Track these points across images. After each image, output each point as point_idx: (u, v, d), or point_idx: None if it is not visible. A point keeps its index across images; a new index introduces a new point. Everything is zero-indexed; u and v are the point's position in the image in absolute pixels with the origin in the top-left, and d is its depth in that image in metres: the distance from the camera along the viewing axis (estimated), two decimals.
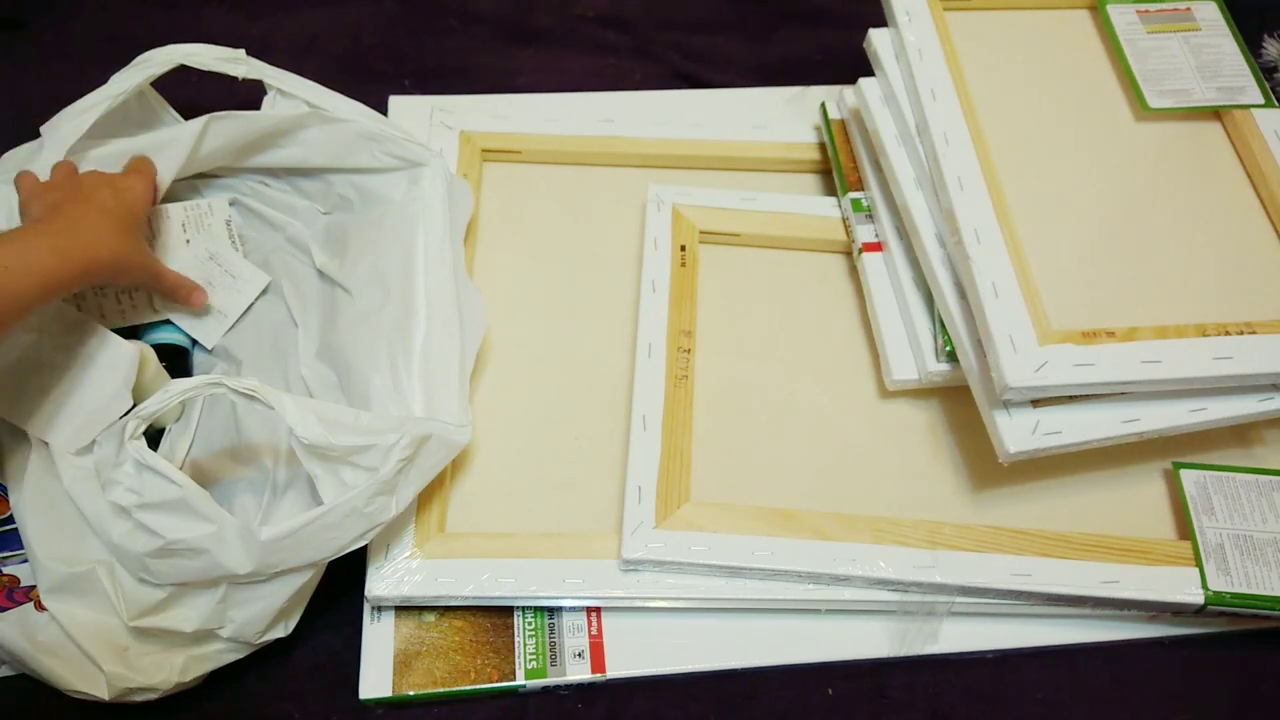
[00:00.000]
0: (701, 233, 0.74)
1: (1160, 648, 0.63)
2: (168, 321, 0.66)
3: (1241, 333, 0.60)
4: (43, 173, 0.58)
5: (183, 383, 0.51)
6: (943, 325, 0.65)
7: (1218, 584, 0.60)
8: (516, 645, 0.60)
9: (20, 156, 0.62)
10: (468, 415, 0.59)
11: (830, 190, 0.79)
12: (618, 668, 0.59)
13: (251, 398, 0.51)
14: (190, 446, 0.61)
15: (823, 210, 0.76)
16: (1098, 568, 0.60)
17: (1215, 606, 0.60)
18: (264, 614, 0.54)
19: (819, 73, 0.86)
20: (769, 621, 0.62)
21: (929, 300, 0.67)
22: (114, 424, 0.55)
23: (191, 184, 0.69)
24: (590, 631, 0.60)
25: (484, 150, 0.78)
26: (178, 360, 0.66)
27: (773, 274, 0.75)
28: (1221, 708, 0.61)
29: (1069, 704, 0.61)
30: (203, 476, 0.60)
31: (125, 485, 0.51)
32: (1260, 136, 0.69)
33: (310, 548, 0.52)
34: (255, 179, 0.70)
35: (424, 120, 0.78)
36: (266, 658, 0.58)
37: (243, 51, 0.64)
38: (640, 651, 0.60)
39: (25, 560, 0.57)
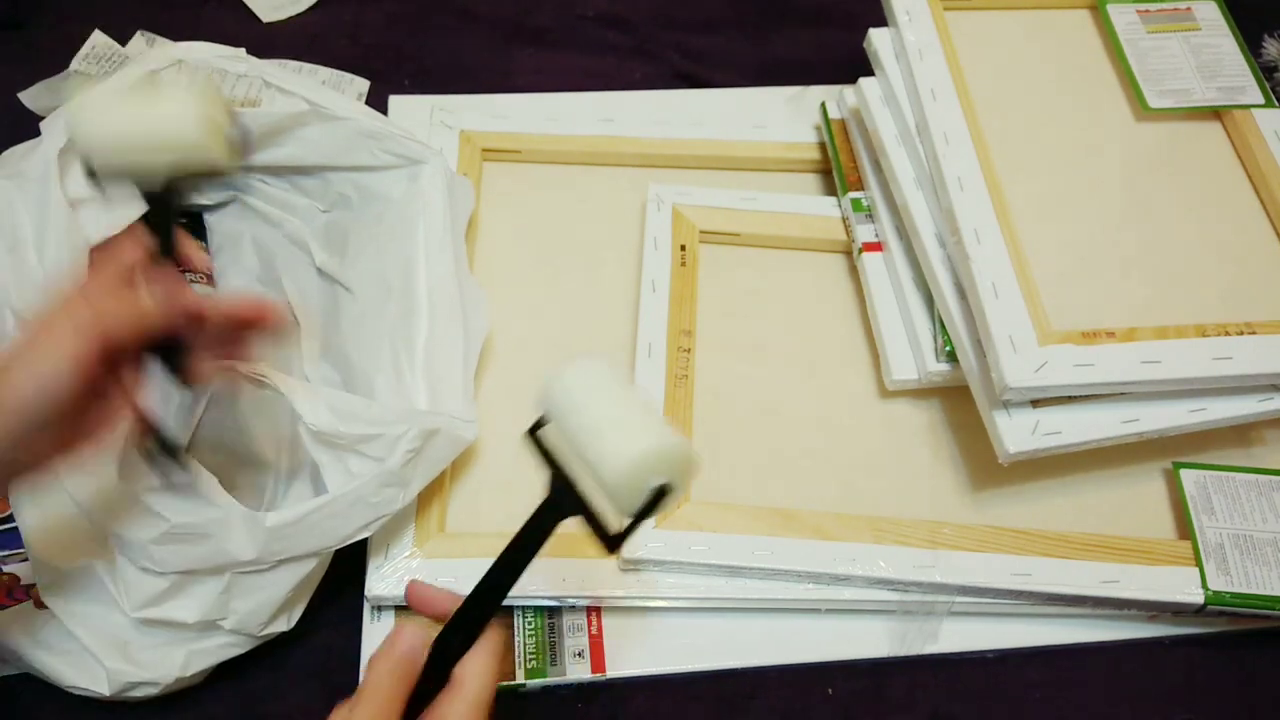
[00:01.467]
0: (701, 233, 0.74)
1: (1160, 648, 0.63)
2: None
3: (1241, 333, 0.61)
4: (35, 167, 0.58)
5: None
6: (943, 325, 0.65)
7: (1218, 584, 0.60)
8: (516, 645, 0.60)
9: (19, 154, 0.62)
10: (474, 411, 0.59)
11: (830, 190, 0.79)
12: (618, 667, 0.59)
13: (262, 383, 0.51)
14: (196, 433, 0.61)
15: (823, 210, 0.76)
16: (1098, 568, 0.60)
17: (1215, 606, 0.60)
18: (267, 605, 0.54)
19: (819, 73, 0.86)
20: (769, 621, 0.62)
21: (929, 300, 0.67)
22: None
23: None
24: (590, 631, 0.60)
25: (484, 150, 0.78)
26: None
27: (773, 274, 0.75)
28: (1221, 708, 0.61)
29: (1069, 704, 0.61)
30: (208, 464, 0.60)
31: (135, 467, 0.51)
32: (1260, 136, 0.69)
33: (315, 536, 0.52)
34: (254, 177, 0.70)
35: (424, 120, 0.77)
36: (267, 657, 0.58)
37: (243, 50, 0.64)
38: (640, 651, 0.60)
39: (25, 559, 0.57)
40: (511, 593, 0.59)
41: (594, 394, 0.42)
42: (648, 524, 0.42)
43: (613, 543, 0.42)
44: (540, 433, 0.44)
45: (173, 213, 0.46)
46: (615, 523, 0.42)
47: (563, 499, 0.43)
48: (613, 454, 0.40)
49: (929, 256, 0.66)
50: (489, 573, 0.43)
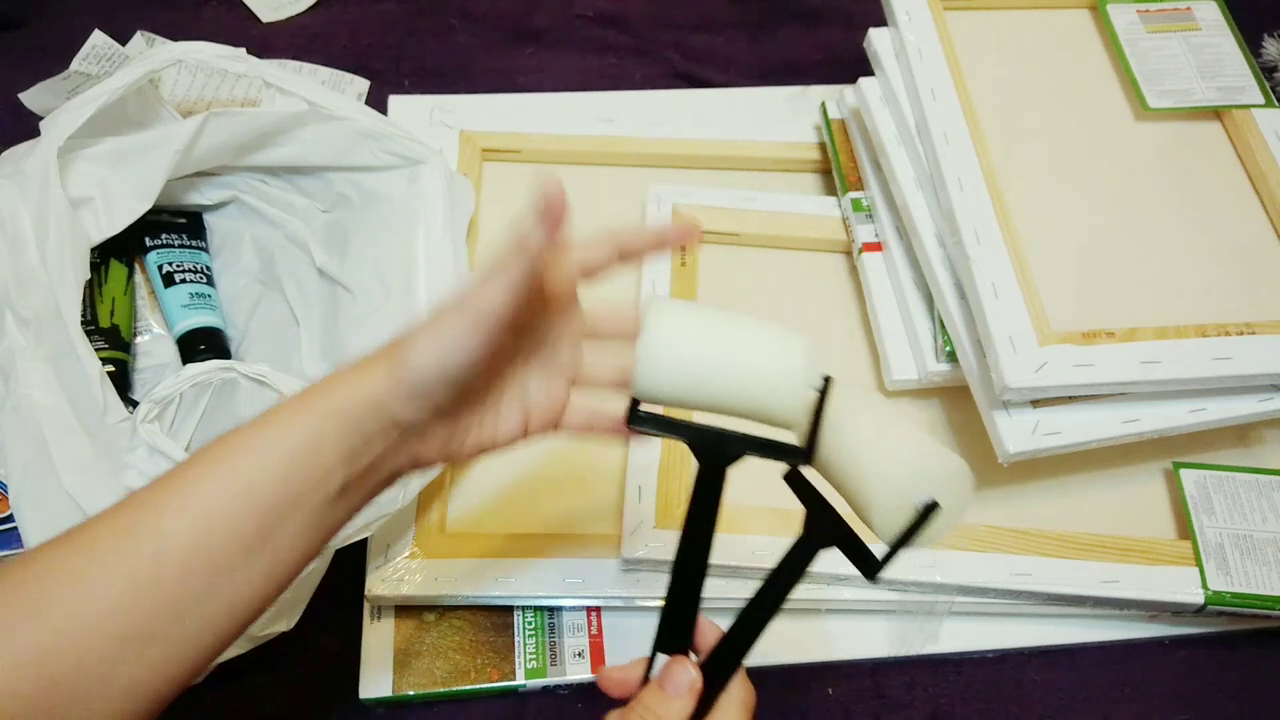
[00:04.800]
0: (702, 232, 0.74)
1: (1160, 648, 0.63)
2: (201, 305, 0.66)
3: (1241, 333, 0.61)
4: (35, 167, 0.58)
5: (195, 367, 0.51)
6: (943, 325, 0.65)
7: (1218, 584, 0.60)
8: (516, 645, 0.60)
9: (19, 154, 0.62)
10: None
11: (830, 190, 0.79)
12: None
13: (262, 383, 0.51)
14: (195, 434, 0.61)
15: (823, 210, 0.76)
16: (1098, 567, 0.60)
17: (1215, 606, 0.60)
18: None
19: (819, 73, 0.86)
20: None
21: (929, 300, 0.67)
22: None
23: (191, 182, 0.69)
24: (590, 631, 0.60)
25: (484, 150, 0.78)
26: (214, 341, 0.66)
27: (773, 274, 0.75)
28: (1221, 708, 0.61)
29: (1069, 704, 0.61)
30: None
31: (138, 469, 0.51)
32: (1260, 136, 0.69)
33: None
34: (254, 177, 0.70)
35: (424, 120, 0.77)
36: (266, 657, 0.58)
37: (243, 50, 0.64)
38: (640, 651, 0.60)
39: None
40: (512, 593, 0.59)
41: (848, 413, 0.40)
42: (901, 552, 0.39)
43: (871, 569, 0.40)
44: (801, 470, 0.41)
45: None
46: (878, 546, 0.40)
47: (821, 531, 0.41)
48: (872, 470, 0.38)
49: (929, 256, 0.66)
50: (744, 614, 0.42)
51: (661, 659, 0.42)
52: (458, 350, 0.37)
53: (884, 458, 0.38)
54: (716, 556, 0.59)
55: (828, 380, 0.40)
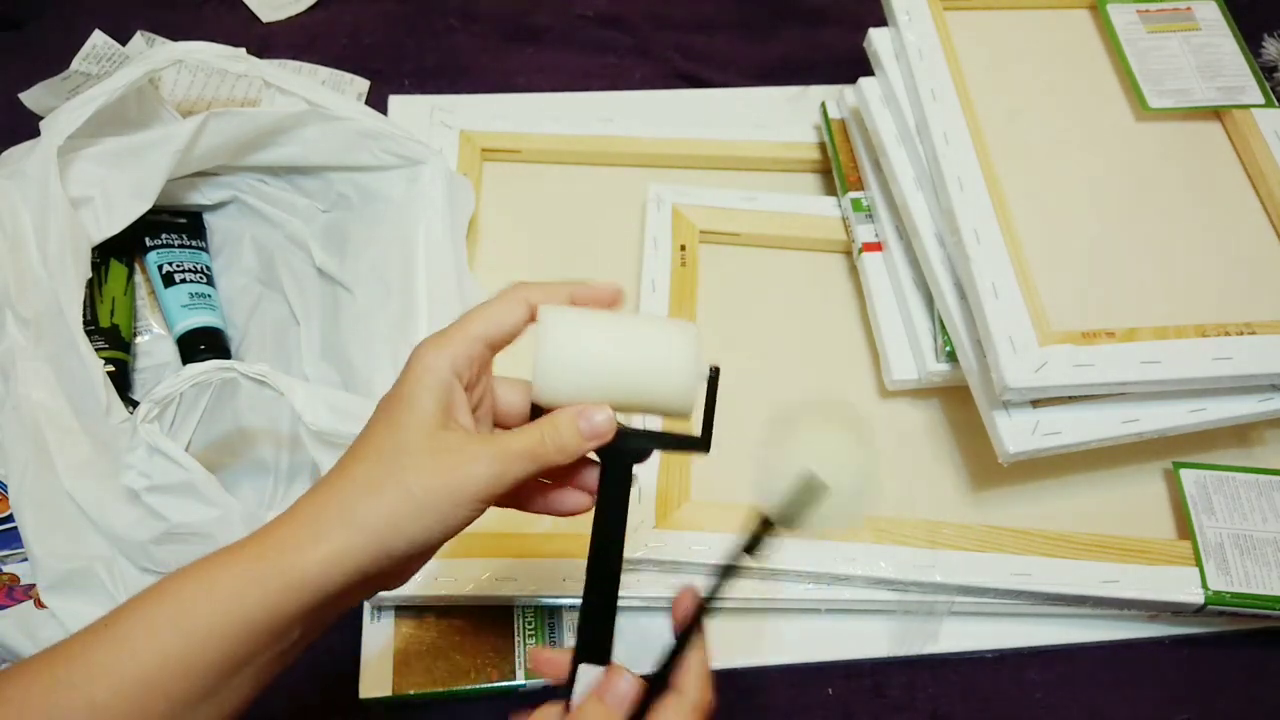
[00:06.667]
0: (701, 232, 0.74)
1: (1160, 647, 0.63)
2: (201, 305, 0.66)
3: (1241, 333, 0.61)
4: (36, 167, 0.58)
5: (195, 367, 0.52)
6: (943, 325, 0.65)
7: (1218, 583, 0.60)
8: (516, 645, 0.60)
9: (19, 154, 0.62)
10: None
11: (830, 190, 0.79)
12: None
13: (262, 383, 0.51)
14: (195, 434, 0.61)
15: (823, 210, 0.76)
16: (1098, 567, 0.60)
17: (1215, 606, 0.60)
18: None
19: (819, 73, 0.86)
20: (769, 621, 0.62)
21: (929, 300, 0.67)
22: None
23: (191, 182, 0.69)
24: None
25: (484, 150, 0.78)
26: (214, 341, 0.66)
27: (773, 274, 0.75)
28: (1221, 708, 0.61)
29: (1069, 704, 0.61)
30: (208, 464, 0.60)
31: (138, 469, 0.51)
32: (1260, 136, 0.69)
33: None
34: (254, 177, 0.70)
35: (424, 120, 0.77)
36: None
37: (243, 50, 0.64)
38: (640, 651, 0.60)
39: (25, 559, 0.57)
40: (512, 593, 0.59)
41: (593, 335, 0.41)
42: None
43: (704, 443, 0.43)
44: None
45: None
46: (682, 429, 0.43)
47: (626, 444, 0.42)
48: (664, 373, 0.40)
49: (929, 256, 0.66)
50: (593, 561, 0.42)
51: (585, 670, 0.42)
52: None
53: (665, 359, 0.41)
54: (716, 556, 0.59)
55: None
